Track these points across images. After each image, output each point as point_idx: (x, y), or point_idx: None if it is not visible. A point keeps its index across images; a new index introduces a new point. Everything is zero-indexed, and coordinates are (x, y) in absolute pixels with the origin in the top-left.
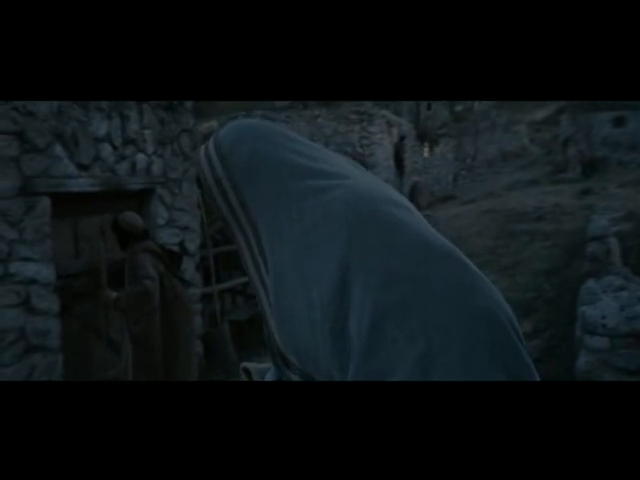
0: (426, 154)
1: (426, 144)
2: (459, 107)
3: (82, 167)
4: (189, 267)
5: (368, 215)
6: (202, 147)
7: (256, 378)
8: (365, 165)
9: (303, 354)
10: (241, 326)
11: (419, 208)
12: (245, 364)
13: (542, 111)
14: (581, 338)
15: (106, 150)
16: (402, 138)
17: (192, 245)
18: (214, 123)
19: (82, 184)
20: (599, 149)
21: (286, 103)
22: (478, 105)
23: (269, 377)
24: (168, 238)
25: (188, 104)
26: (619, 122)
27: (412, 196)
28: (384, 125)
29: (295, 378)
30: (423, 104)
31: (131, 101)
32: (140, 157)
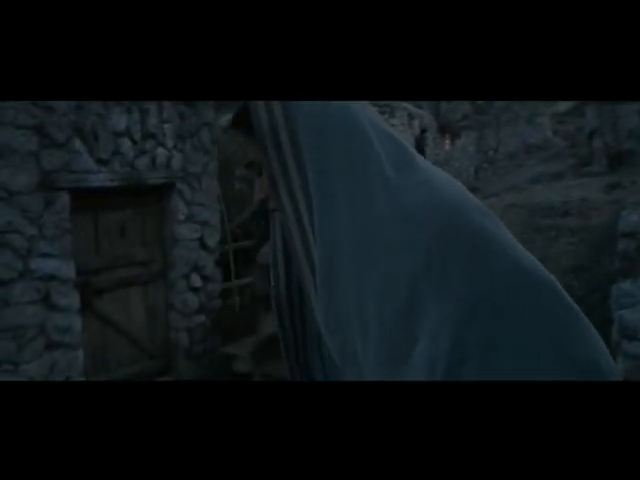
0: (447, 147)
1: (447, 136)
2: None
3: (101, 162)
4: (208, 263)
5: (452, 228)
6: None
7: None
8: None
9: (347, 353)
10: None
11: None
12: None
13: (566, 102)
14: (619, 343)
15: (126, 144)
16: (423, 131)
17: (212, 240)
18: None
19: (102, 179)
20: (625, 142)
21: None
22: None
23: None
24: (187, 233)
25: None
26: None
27: None
28: (405, 117)
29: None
30: None
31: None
32: (160, 151)
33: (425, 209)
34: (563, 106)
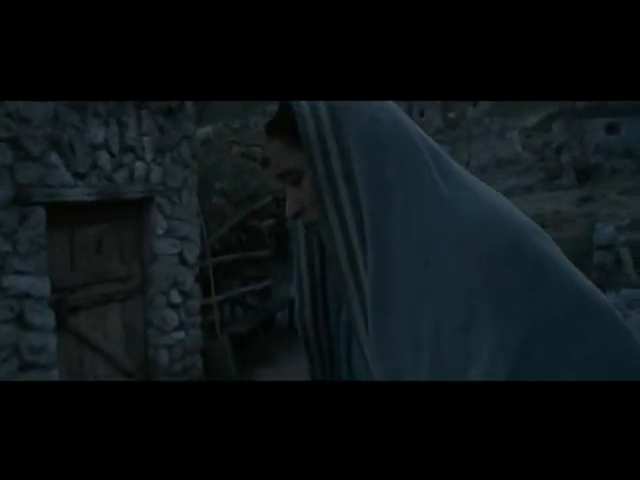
0: None
1: None
2: (452, 114)
3: (78, 175)
4: (188, 278)
5: (509, 248)
6: (310, 104)
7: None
8: None
9: (394, 369)
10: (241, 339)
11: None
12: None
13: (532, 117)
14: None
15: (103, 158)
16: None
17: (191, 256)
18: (209, 129)
19: (78, 193)
20: (592, 156)
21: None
22: (471, 112)
23: None
24: (167, 248)
25: (189, 110)
26: (612, 129)
27: None
28: None
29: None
30: (415, 110)
31: (129, 107)
32: (138, 165)
33: (480, 227)
34: (530, 121)
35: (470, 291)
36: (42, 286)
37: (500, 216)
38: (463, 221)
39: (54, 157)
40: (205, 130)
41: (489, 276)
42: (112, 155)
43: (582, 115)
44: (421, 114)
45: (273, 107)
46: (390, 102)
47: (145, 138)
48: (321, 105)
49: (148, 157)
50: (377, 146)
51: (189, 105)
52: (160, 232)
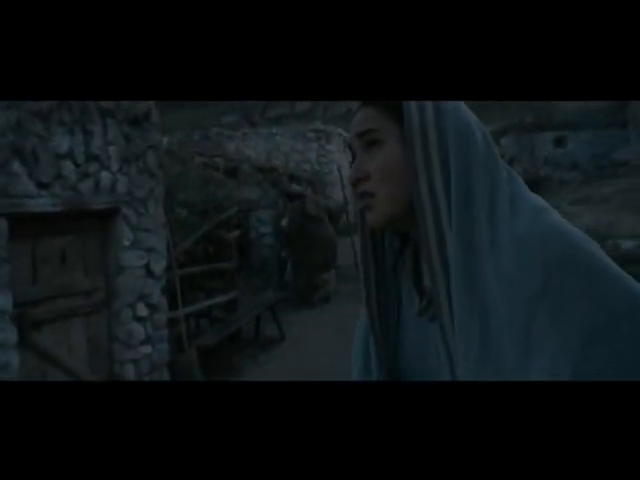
0: None
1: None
2: None
3: (42, 185)
4: (155, 291)
5: (563, 256)
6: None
7: None
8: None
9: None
10: (208, 351)
11: None
12: None
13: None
14: None
15: (68, 167)
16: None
17: (158, 267)
18: (166, 140)
19: (42, 204)
20: (542, 168)
21: (235, 119)
22: None
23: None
24: (133, 260)
25: (155, 119)
26: (560, 142)
27: None
28: (341, 143)
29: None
30: None
31: (95, 115)
32: (104, 175)
33: (540, 238)
34: None
35: (529, 295)
36: (3, 300)
37: (553, 226)
38: (524, 232)
39: (16, 166)
40: (164, 140)
41: (547, 282)
42: (77, 164)
43: (531, 129)
44: None
45: (230, 118)
46: None
47: (111, 147)
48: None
49: (114, 167)
50: (469, 143)
51: (155, 114)
52: (126, 244)
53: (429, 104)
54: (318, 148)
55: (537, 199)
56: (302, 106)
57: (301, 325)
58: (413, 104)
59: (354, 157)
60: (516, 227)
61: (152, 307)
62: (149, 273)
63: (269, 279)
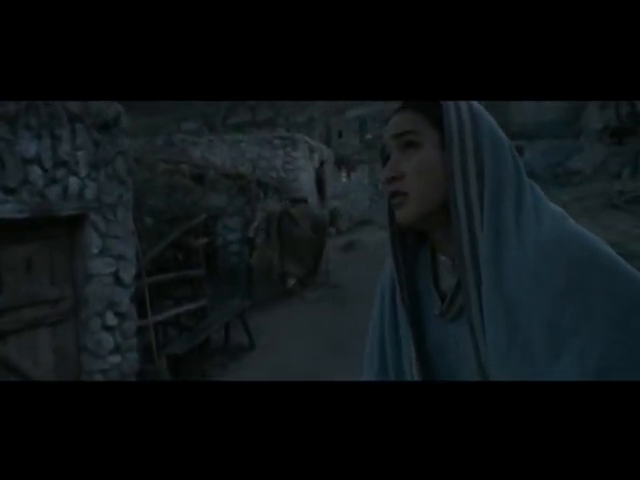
0: (345, 179)
1: (344, 169)
2: (369, 135)
3: (8, 191)
4: (124, 299)
5: (588, 259)
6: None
7: None
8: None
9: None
10: (178, 360)
11: (339, 232)
12: None
13: None
14: None
15: (35, 173)
16: (322, 163)
17: (127, 275)
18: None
19: (8, 210)
20: None
21: (195, 126)
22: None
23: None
24: (102, 268)
25: (124, 124)
26: (518, 152)
27: (332, 220)
28: (306, 150)
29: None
30: (334, 131)
31: (63, 120)
32: (72, 180)
33: (563, 242)
34: None
35: (556, 293)
36: None
37: (574, 231)
38: (549, 241)
39: None
40: (141, 145)
41: (571, 281)
42: (44, 170)
43: None
44: (339, 135)
45: (190, 124)
46: None
47: (79, 153)
48: (463, 105)
49: (82, 172)
50: (501, 153)
51: (125, 119)
52: (95, 251)
53: (467, 114)
54: (284, 155)
55: (556, 207)
56: (263, 114)
57: (271, 333)
58: (452, 113)
59: (388, 157)
60: (541, 232)
61: (121, 316)
62: (118, 281)
63: (237, 287)
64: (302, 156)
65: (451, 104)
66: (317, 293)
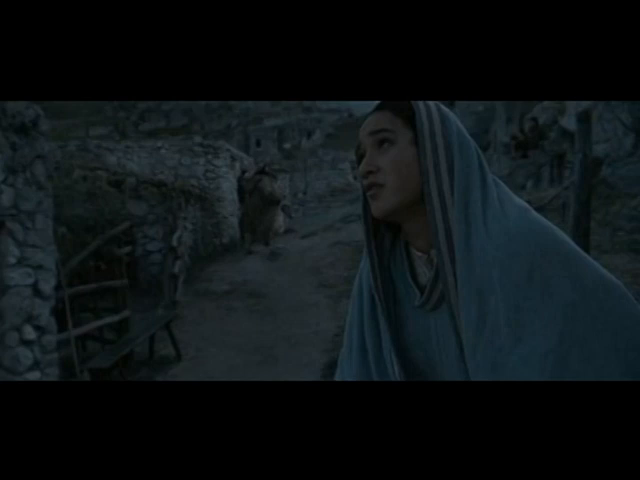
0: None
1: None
2: (287, 145)
3: None
4: (43, 312)
5: (549, 246)
6: (425, 103)
7: None
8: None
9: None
10: (101, 374)
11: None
12: None
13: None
14: None
15: None
16: (244, 172)
17: (47, 286)
18: None
19: None
20: None
21: (105, 132)
22: (305, 143)
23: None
24: (19, 279)
25: (43, 127)
26: None
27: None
28: (228, 159)
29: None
30: (252, 140)
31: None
32: None
33: (527, 231)
34: (351, 154)
35: (520, 279)
36: None
37: (536, 221)
38: (516, 229)
39: None
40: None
41: (533, 267)
42: None
43: None
44: (257, 144)
45: (100, 130)
46: None
47: None
48: (432, 105)
49: None
50: (467, 150)
51: (44, 122)
52: (12, 261)
53: (436, 114)
54: (205, 163)
55: (520, 201)
56: (178, 120)
57: (198, 344)
58: (423, 113)
59: (362, 156)
60: (507, 223)
61: (40, 329)
62: (37, 293)
63: (158, 297)
64: (224, 164)
65: (421, 104)
66: (245, 301)
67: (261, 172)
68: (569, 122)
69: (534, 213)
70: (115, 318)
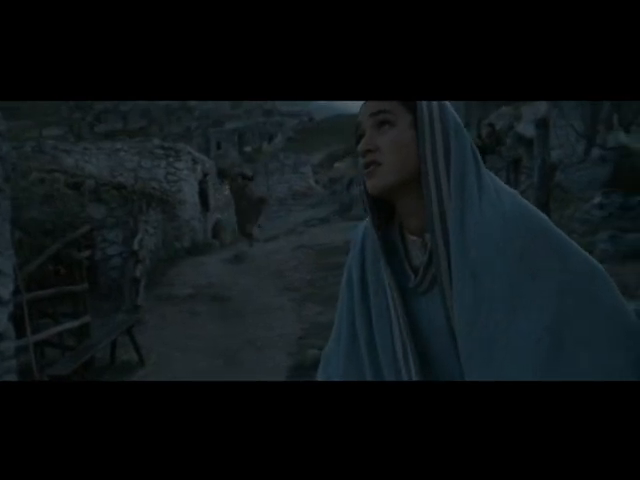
0: (227, 192)
1: (226, 182)
2: (248, 148)
3: None
4: (1, 317)
5: (540, 230)
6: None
7: None
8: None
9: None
10: (62, 381)
11: (222, 244)
12: None
13: (317, 155)
14: None
15: None
16: (205, 175)
17: (5, 291)
18: None
19: None
20: None
21: (60, 133)
22: (266, 147)
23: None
24: None
25: (1, 128)
26: None
27: (215, 233)
28: (190, 162)
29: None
30: (213, 142)
31: None
32: None
33: (519, 215)
34: (316, 158)
35: (513, 260)
36: None
37: (527, 206)
38: (507, 212)
39: None
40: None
41: (526, 249)
42: None
43: None
44: (218, 146)
45: (54, 130)
46: None
47: None
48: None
49: None
50: (462, 137)
51: (1, 123)
52: None
53: (436, 106)
54: (167, 166)
55: (512, 189)
56: (136, 122)
57: (161, 349)
58: (424, 104)
59: (361, 136)
60: (502, 207)
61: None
62: None
63: (119, 302)
64: (185, 167)
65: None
66: (207, 305)
67: (244, 177)
68: (525, 128)
69: (525, 200)
70: (75, 323)
